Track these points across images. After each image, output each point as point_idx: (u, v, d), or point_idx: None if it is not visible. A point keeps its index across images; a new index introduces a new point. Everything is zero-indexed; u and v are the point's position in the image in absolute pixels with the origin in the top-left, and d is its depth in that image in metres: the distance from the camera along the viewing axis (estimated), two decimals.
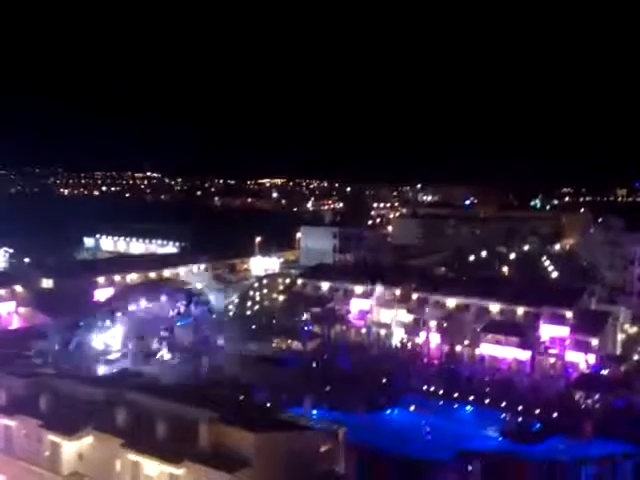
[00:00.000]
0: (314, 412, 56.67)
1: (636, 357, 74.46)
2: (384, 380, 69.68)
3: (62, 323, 78.69)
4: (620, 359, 75.24)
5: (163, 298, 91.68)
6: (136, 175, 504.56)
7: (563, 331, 76.55)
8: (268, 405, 58.45)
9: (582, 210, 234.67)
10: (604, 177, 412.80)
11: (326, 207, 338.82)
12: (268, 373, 68.89)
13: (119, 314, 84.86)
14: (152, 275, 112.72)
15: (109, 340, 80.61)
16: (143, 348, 78.13)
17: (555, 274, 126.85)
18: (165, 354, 77.35)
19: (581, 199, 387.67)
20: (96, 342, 79.37)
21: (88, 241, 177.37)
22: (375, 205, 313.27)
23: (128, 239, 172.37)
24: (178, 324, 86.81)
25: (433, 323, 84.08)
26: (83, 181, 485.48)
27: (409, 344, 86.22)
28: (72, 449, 39.67)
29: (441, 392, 67.17)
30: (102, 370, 71.11)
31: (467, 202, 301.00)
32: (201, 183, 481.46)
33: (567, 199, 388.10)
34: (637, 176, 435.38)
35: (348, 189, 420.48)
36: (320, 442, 39.58)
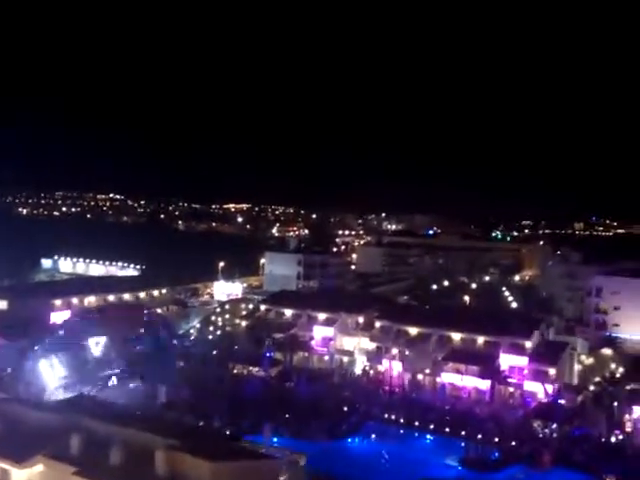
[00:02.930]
0: (274, 440, 56.04)
1: (592, 387, 75.67)
2: (345, 408, 69.29)
3: (16, 346, 76.31)
4: (577, 389, 76.48)
5: (122, 321, 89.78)
6: (98, 196, 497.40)
7: (522, 361, 77.58)
8: (227, 432, 57.53)
9: (541, 243, 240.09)
10: (562, 211, 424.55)
11: (291, 233, 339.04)
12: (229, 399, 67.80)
13: (75, 337, 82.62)
14: (111, 298, 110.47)
15: (64, 364, 78.32)
16: (100, 372, 76.14)
17: (515, 304, 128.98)
18: (122, 378, 75.51)
19: (540, 232, 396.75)
20: (51, 366, 77.03)
21: (46, 262, 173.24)
22: (340, 232, 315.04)
23: (87, 261, 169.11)
24: (137, 348, 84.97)
25: (395, 351, 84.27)
26: (43, 201, 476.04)
27: (371, 372, 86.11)
28: (22, 477, 38.11)
29: (402, 420, 67.12)
30: (56, 395, 68.95)
31: (430, 231, 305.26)
32: (165, 206, 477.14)
33: (527, 231, 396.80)
34: (593, 211, 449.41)
35: (313, 216, 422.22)
36: (280, 471, 39.00)
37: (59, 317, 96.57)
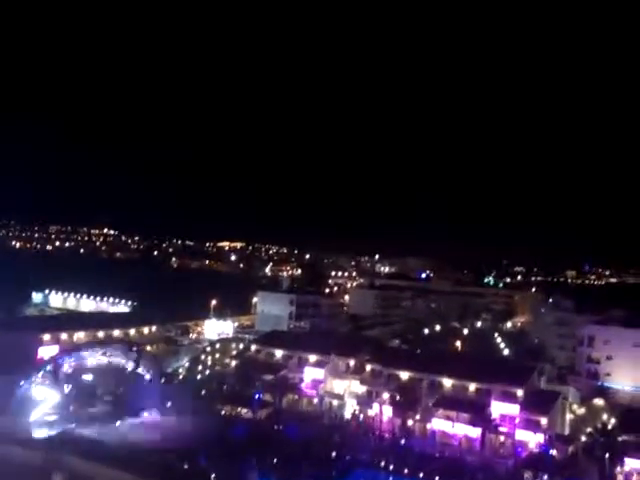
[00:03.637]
0: None
1: (584, 438, 74.86)
2: (334, 453, 68.23)
3: (2, 380, 75.14)
4: (569, 439, 75.73)
5: (111, 358, 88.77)
6: (92, 231, 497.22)
7: (513, 409, 76.90)
8: (213, 475, 56.51)
9: (533, 290, 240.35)
10: (554, 258, 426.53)
11: (284, 273, 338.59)
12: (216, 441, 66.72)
13: (63, 373, 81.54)
14: (101, 334, 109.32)
15: (51, 399, 77.11)
16: (86, 409, 74.96)
17: (507, 351, 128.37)
18: (109, 416, 74.31)
19: (532, 278, 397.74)
20: (37, 401, 75.82)
21: (36, 296, 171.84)
22: (333, 273, 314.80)
23: (78, 296, 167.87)
24: (124, 386, 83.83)
25: (386, 396, 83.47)
26: (37, 235, 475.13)
27: (361, 416, 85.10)
28: None
29: (391, 467, 66.05)
30: (41, 432, 67.68)
31: (423, 275, 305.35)
32: (159, 243, 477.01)
33: (519, 278, 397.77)
34: (586, 259, 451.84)
35: (307, 256, 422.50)
36: None
37: (47, 352, 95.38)
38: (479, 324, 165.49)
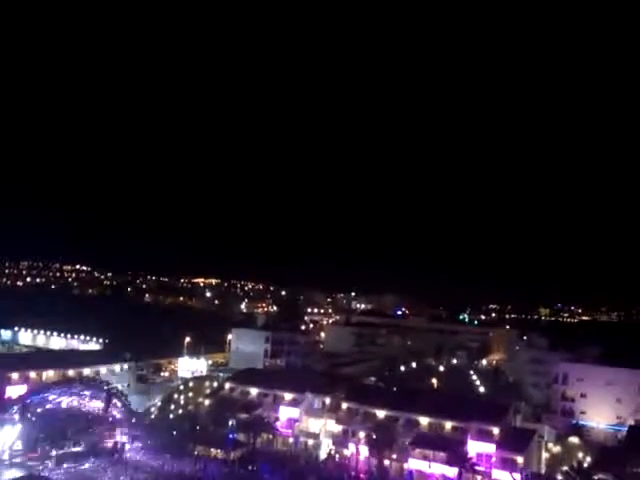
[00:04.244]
0: None
1: (560, 477, 74.67)
2: None
3: None
4: (545, 478, 75.39)
5: (81, 398, 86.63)
6: (64, 267, 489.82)
7: (490, 448, 76.52)
8: None
9: (507, 327, 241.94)
10: (528, 296, 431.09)
11: (260, 309, 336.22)
12: None
13: (32, 413, 79.22)
14: (71, 373, 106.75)
15: (19, 440, 74.72)
16: (56, 450, 72.72)
17: (482, 389, 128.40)
18: (79, 457, 72.14)
19: (506, 316, 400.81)
20: (3, 442, 73.42)
21: (5, 333, 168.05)
22: (309, 310, 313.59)
23: (48, 333, 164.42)
24: (94, 427, 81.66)
25: (362, 434, 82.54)
26: (7, 271, 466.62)
27: (337, 456, 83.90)
28: None
29: None
30: (9, 473, 65.38)
31: (399, 312, 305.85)
32: (132, 279, 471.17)
33: (493, 315, 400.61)
34: (558, 297, 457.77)
35: (283, 292, 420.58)
36: None
37: (15, 391, 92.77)
38: (455, 361, 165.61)
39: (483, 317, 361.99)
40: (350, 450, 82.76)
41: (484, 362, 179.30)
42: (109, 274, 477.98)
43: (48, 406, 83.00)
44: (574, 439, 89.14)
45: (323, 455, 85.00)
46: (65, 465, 70.76)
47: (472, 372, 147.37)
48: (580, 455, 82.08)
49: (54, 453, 72.38)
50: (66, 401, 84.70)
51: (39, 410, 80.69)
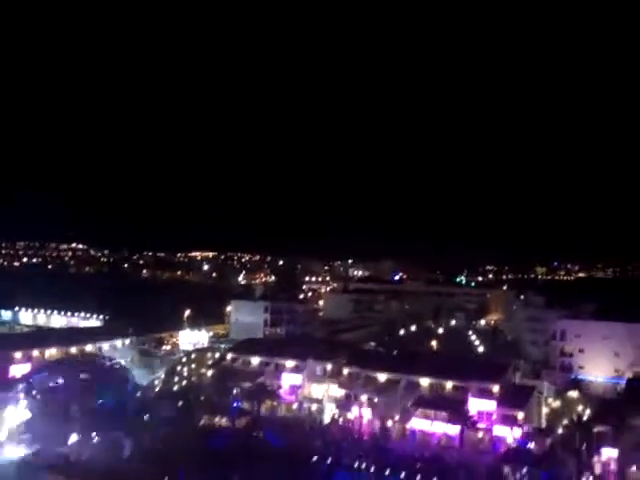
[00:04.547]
0: None
1: (560, 430, 76.03)
2: (315, 457, 68.10)
3: None
4: (545, 432, 76.72)
5: (84, 374, 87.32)
6: (61, 247, 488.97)
7: (490, 405, 77.81)
8: None
9: (505, 287, 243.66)
10: (524, 256, 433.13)
11: (257, 281, 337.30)
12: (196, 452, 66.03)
13: (36, 391, 79.95)
14: (73, 350, 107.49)
15: (24, 418, 75.52)
16: (61, 427, 73.46)
17: (481, 349, 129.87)
18: (85, 433, 72.94)
19: (503, 276, 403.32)
20: (10, 421, 74.21)
21: (5, 314, 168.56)
22: (307, 279, 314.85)
23: (49, 312, 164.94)
24: (100, 401, 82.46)
25: (364, 398, 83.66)
26: (4, 251, 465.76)
27: (340, 420, 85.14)
28: None
29: (372, 469, 66.16)
30: (15, 452, 66.23)
31: (396, 277, 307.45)
32: (129, 255, 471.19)
33: (490, 276, 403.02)
34: (554, 256, 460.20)
35: (280, 262, 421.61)
36: None
37: (19, 370, 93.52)
38: (453, 323, 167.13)
39: (480, 279, 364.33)
40: (353, 413, 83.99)
41: (482, 323, 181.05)
42: (105, 252, 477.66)
43: (52, 384, 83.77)
44: (573, 393, 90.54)
45: (327, 419, 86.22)
46: (71, 441, 71.52)
47: (471, 333, 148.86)
48: (579, 408, 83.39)
49: (60, 430, 72.97)
50: (70, 378, 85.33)
51: (43, 388, 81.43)
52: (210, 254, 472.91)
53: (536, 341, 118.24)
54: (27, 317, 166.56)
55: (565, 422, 78.01)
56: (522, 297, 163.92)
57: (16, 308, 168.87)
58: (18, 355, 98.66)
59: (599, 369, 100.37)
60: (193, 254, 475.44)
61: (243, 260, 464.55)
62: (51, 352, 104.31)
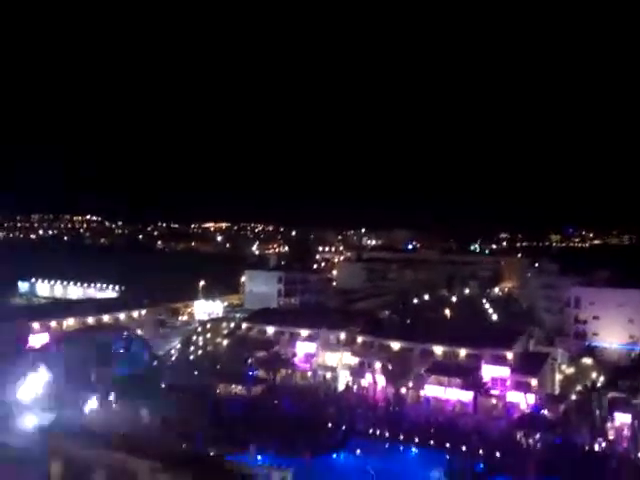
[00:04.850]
0: (259, 458, 55.62)
1: (574, 397, 76.32)
2: (330, 424, 69.03)
3: None
4: (559, 399, 77.09)
5: (102, 344, 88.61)
6: (75, 218, 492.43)
7: (504, 372, 78.14)
8: (211, 453, 56.87)
9: (519, 255, 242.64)
10: (538, 223, 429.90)
11: (271, 251, 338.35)
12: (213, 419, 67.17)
13: (55, 360, 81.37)
14: (90, 320, 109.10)
15: (44, 387, 77.08)
16: (80, 395, 74.94)
17: (495, 316, 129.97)
18: (105, 400, 74.43)
19: (517, 244, 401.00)
20: (30, 389, 75.77)
21: (23, 285, 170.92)
22: (320, 249, 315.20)
23: (65, 283, 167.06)
24: (117, 370, 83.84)
25: (378, 366, 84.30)
26: (19, 224, 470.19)
27: (355, 387, 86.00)
28: None
29: (386, 435, 67.01)
30: (36, 420, 67.71)
31: (410, 246, 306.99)
32: (143, 226, 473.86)
33: (504, 244, 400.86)
34: (569, 222, 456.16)
35: (293, 233, 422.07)
36: None
37: (37, 341, 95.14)
38: (467, 291, 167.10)
39: (494, 247, 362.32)
40: (367, 381, 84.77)
41: (496, 291, 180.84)
42: (119, 223, 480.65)
43: (70, 353, 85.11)
44: (587, 360, 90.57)
45: (341, 387, 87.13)
46: (92, 408, 72.98)
47: (484, 301, 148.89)
48: (593, 375, 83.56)
49: (80, 398, 74.44)
50: (88, 348, 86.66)
51: (62, 358, 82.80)
52: (223, 225, 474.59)
53: (550, 308, 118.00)
54: (44, 289, 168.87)
55: (579, 388, 78.32)
56: (536, 264, 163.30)
57: (33, 280, 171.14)
58: (36, 326, 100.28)
59: (613, 336, 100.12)
60: (207, 225, 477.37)
61: (256, 231, 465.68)
62: (69, 323, 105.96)
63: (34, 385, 77.01)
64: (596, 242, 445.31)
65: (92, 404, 74.04)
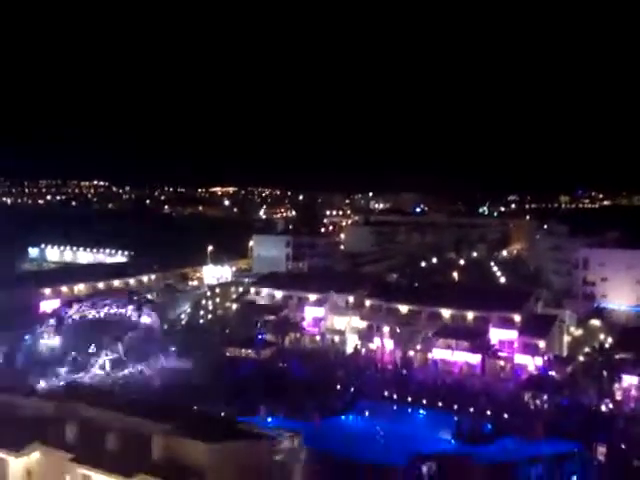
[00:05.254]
0: (269, 420, 56.47)
1: (581, 358, 76.64)
2: (339, 386, 69.82)
3: (6, 336, 75.95)
4: (566, 360, 77.47)
5: (112, 309, 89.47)
6: (82, 184, 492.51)
7: (511, 334, 78.42)
8: (222, 414, 57.74)
9: (527, 217, 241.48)
10: (548, 185, 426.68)
11: (278, 215, 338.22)
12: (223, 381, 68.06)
13: (66, 325, 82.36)
14: (100, 285, 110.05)
15: (56, 352, 78.18)
16: (92, 359, 76.04)
17: (503, 279, 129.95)
18: (116, 364, 75.50)
19: (526, 206, 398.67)
20: (42, 354, 76.88)
21: (33, 251, 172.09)
22: (327, 213, 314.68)
23: (75, 249, 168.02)
24: (129, 334, 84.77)
25: (386, 329, 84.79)
26: (27, 190, 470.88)
27: (363, 350, 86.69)
28: (19, 465, 38.26)
29: (395, 397, 67.75)
30: (50, 383, 68.85)
31: (418, 209, 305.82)
32: (150, 191, 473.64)
33: (513, 206, 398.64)
34: (578, 184, 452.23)
35: (300, 197, 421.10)
36: (276, 450, 39.31)
37: (48, 306, 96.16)
38: (475, 254, 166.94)
39: (503, 209, 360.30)
40: (375, 344, 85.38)
41: (504, 253, 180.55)
42: (127, 188, 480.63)
43: (82, 318, 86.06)
44: (595, 321, 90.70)
45: (350, 350, 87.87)
46: (103, 372, 74.05)
47: (492, 263, 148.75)
48: (602, 336, 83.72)
49: (92, 361, 75.54)
50: (99, 312, 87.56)
51: (73, 322, 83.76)
52: (230, 189, 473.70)
53: (559, 270, 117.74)
54: (54, 254, 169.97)
55: (587, 350, 78.50)
56: (545, 226, 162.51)
57: (43, 245, 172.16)
58: (47, 291, 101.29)
59: (622, 297, 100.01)
60: (213, 189, 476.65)
61: (263, 195, 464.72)
62: (79, 288, 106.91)
63: (48, 350, 78.10)
64: (606, 203, 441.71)
65: (105, 368, 75.13)
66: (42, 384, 67.87)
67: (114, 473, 34.90)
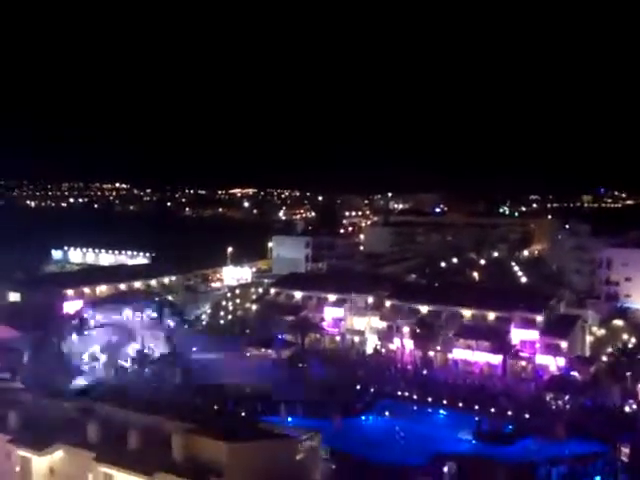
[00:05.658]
0: (289, 419, 56.63)
1: (604, 358, 75.74)
2: (359, 386, 69.79)
3: (31, 337, 77.03)
4: (589, 361, 76.57)
5: (134, 310, 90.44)
6: (104, 186, 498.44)
7: (533, 335, 77.71)
8: (243, 414, 58.11)
9: (549, 217, 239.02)
10: (570, 184, 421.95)
11: (298, 216, 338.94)
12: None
13: (89, 326, 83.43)
14: (122, 287, 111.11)
15: (79, 353, 79.17)
16: (114, 360, 76.90)
17: (524, 279, 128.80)
18: (137, 365, 76.25)
19: (548, 206, 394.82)
20: (66, 355, 77.83)
21: (56, 253, 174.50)
22: (347, 214, 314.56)
23: (97, 250, 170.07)
24: (150, 334, 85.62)
25: (406, 329, 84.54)
26: (50, 193, 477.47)
27: (383, 350, 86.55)
28: (43, 464, 38.88)
29: (415, 397, 67.54)
30: (73, 384, 69.73)
31: (437, 209, 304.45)
32: (171, 193, 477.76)
33: (534, 206, 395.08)
34: (601, 183, 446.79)
35: (320, 198, 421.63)
36: (296, 450, 39.43)
37: (72, 307, 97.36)
38: (496, 254, 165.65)
39: (524, 209, 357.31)
40: (395, 344, 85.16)
41: (526, 253, 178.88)
42: (148, 190, 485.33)
43: (104, 319, 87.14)
44: (618, 322, 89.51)
45: (369, 350, 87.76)
46: (126, 372, 74.85)
47: (514, 263, 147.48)
48: (625, 337, 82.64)
49: (115, 362, 76.40)
50: (121, 313, 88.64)
51: (96, 323, 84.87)
52: (250, 191, 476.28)
53: (581, 270, 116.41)
54: (77, 256, 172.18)
55: (610, 350, 77.56)
56: (567, 226, 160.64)
57: (66, 248, 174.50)
58: (70, 292, 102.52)
59: None
60: (233, 191, 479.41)
61: (283, 196, 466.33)
62: (101, 289, 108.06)
63: (71, 351, 79.08)
64: (629, 202, 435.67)
65: (127, 368, 75.93)
66: (66, 384, 68.82)
67: (135, 471, 35.32)
